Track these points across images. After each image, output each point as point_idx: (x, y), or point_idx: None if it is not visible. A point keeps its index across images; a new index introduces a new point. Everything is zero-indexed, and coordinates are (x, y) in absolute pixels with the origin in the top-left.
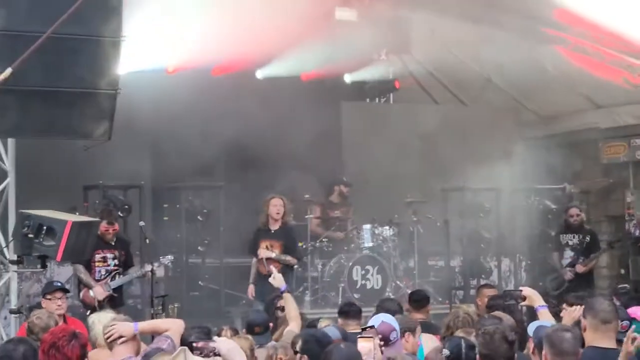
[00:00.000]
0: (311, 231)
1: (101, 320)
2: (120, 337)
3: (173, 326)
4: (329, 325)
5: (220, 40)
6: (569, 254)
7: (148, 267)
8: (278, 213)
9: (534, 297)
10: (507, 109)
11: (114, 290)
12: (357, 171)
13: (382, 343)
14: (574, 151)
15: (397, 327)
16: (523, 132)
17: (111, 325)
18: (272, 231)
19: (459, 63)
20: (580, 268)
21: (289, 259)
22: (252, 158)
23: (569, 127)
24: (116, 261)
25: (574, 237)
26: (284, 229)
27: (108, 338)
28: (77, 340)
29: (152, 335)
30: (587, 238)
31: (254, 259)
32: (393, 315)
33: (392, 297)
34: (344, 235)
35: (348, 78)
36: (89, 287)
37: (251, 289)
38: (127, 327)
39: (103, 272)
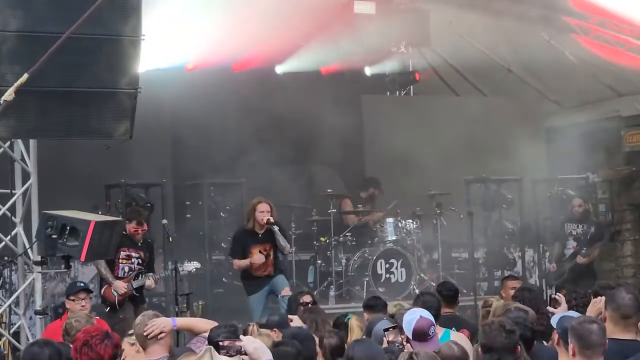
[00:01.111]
0: (348, 219)
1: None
2: (161, 332)
3: (209, 328)
4: (384, 320)
5: (239, 37)
6: (571, 244)
7: (166, 273)
8: (263, 220)
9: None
10: (528, 99)
11: (136, 290)
12: (378, 164)
13: (415, 338)
14: (596, 140)
15: (434, 322)
16: (545, 122)
17: (150, 324)
18: (260, 235)
19: (479, 54)
20: (580, 259)
21: (284, 243)
22: (273, 153)
23: (591, 116)
24: (140, 260)
25: (577, 226)
26: (271, 232)
27: (148, 335)
28: (109, 340)
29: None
30: (592, 229)
31: (238, 262)
32: (431, 310)
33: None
34: (384, 213)
35: (368, 71)
36: (109, 283)
37: None
38: (166, 322)
39: (126, 270)
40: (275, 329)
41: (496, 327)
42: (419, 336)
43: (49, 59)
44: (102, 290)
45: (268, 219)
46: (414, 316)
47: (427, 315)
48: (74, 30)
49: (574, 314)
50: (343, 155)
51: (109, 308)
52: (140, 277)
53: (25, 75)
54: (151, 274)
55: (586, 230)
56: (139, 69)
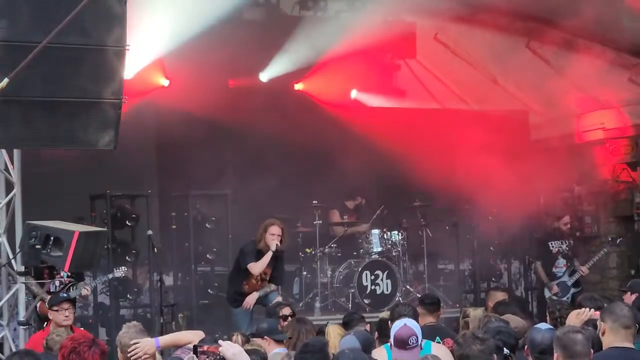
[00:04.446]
0: (334, 230)
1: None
2: (145, 354)
3: (194, 338)
4: (350, 335)
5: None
6: (562, 262)
7: (97, 281)
8: (273, 241)
9: None
10: (513, 111)
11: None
12: (364, 175)
13: (395, 345)
14: (581, 152)
15: (419, 334)
16: (530, 134)
17: (134, 344)
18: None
19: (464, 66)
20: (585, 270)
21: (267, 290)
22: (258, 165)
23: (576, 128)
24: (69, 272)
25: (562, 243)
26: (277, 257)
27: (132, 357)
28: (97, 347)
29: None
30: (572, 241)
31: (255, 264)
32: None
33: (404, 302)
34: (369, 225)
35: (354, 94)
36: (41, 299)
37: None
38: (149, 344)
39: (57, 284)
40: (266, 337)
41: (469, 336)
42: (398, 343)
43: (34, 69)
44: (38, 306)
45: (277, 246)
46: (399, 324)
47: (413, 325)
48: (56, 38)
49: (543, 325)
50: (328, 167)
51: (45, 323)
52: (72, 289)
53: (6, 80)
54: (82, 282)
55: (569, 244)
56: (124, 78)
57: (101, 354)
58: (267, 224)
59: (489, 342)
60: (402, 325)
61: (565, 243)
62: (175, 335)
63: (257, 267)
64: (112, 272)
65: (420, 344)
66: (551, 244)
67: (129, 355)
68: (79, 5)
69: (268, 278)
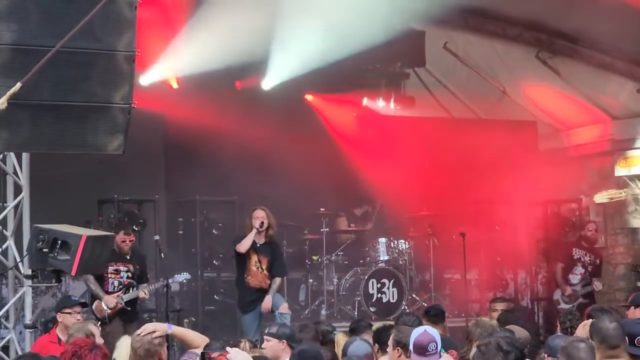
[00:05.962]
0: (340, 237)
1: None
2: (155, 330)
3: (201, 342)
4: (357, 339)
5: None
6: (579, 270)
7: (157, 285)
8: (261, 226)
9: None
10: (522, 121)
11: (127, 303)
12: (372, 184)
13: (415, 351)
14: (589, 163)
15: (438, 340)
16: (539, 144)
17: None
18: (259, 245)
19: (473, 76)
20: (599, 286)
21: (275, 287)
22: (266, 171)
23: (585, 139)
24: (129, 274)
25: (586, 254)
26: (270, 246)
27: (141, 332)
28: (98, 350)
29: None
30: (598, 261)
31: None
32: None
33: (409, 311)
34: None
35: (365, 101)
36: (99, 298)
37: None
38: (161, 325)
39: (116, 284)
40: (284, 340)
41: (493, 346)
42: (418, 350)
43: (43, 73)
44: (94, 306)
45: (261, 223)
46: (419, 330)
47: (432, 331)
48: (66, 42)
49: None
50: (335, 174)
51: (99, 322)
52: (130, 291)
53: (19, 84)
54: (145, 284)
55: (593, 260)
56: (133, 83)
57: (102, 357)
58: (252, 210)
59: (511, 356)
60: (422, 331)
61: (589, 256)
62: (187, 330)
63: (242, 245)
64: (173, 277)
65: (439, 352)
66: (575, 250)
67: (137, 332)
68: (93, 10)
69: (266, 267)
